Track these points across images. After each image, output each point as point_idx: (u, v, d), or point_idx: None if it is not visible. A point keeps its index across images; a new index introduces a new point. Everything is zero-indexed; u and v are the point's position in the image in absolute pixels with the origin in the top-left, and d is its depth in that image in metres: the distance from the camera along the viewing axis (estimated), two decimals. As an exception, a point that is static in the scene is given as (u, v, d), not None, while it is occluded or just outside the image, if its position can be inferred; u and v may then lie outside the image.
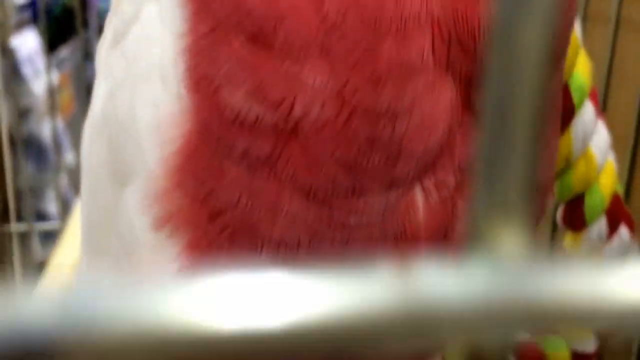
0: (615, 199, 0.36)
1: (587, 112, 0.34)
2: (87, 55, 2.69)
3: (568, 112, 0.33)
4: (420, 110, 0.20)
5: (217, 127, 0.21)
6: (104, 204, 0.24)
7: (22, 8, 1.87)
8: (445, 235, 0.22)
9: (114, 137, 0.24)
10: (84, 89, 2.41)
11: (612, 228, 0.36)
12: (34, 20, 2.09)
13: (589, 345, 0.36)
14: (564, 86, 0.33)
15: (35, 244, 1.91)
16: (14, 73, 1.85)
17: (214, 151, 0.21)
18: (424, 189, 0.21)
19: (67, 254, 0.56)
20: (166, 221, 0.22)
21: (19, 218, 1.57)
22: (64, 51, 2.37)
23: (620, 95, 0.47)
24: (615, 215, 0.34)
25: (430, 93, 0.20)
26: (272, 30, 0.19)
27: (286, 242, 0.21)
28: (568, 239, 0.39)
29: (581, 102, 0.33)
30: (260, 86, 0.20)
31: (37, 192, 1.93)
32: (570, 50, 0.33)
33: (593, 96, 0.34)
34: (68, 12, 2.27)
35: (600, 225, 0.36)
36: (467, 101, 0.21)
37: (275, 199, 0.21)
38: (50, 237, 1.96)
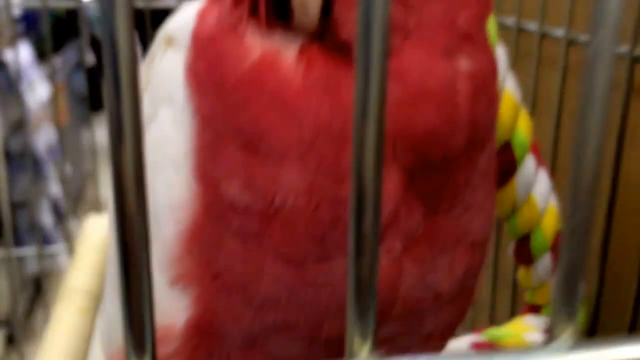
0: (558, 237, 0.41)
1: (528, 165, 0.39)
2: (79, 65, 2.70)
3: (511, 167, 0.39)
4: None
5: (218, 210, 0.27)
6: None
7: (15, 21, 1.89)
8: (394, 290, 0.28)
9: None
10: (77, 99, 2.42)
11: (557, 263, 0.42)
12: (27, 32, 2.11)
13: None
14: (506, 144, 0.38)
15: (31, 259, 1.92)
16: (8, 86, 1.86)
17: (215, 228, 0.27)
18: None
19: (78, 278, 0.58)
20: (178, 280, 0.28)
21: (15, 232, 1.60)
22: (57, 61, 2.37)
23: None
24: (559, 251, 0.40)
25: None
26: (258, 142, 0.25)
27: (270, 297, 0.27)
28: (520, 272, 0.45)
29: (522, 157, 0.39)
30: (250, 181, 0.26)
31: (31, 203, 1.94)
32: (510, 114, 0.38)
33: (534, 149, 0.40)
34: (59, 23, 2.28)
35: (545, 260, 0.42)
36: (410, 182, 0.26)
37: (261, 264, 0.27)
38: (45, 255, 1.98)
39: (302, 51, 0.25)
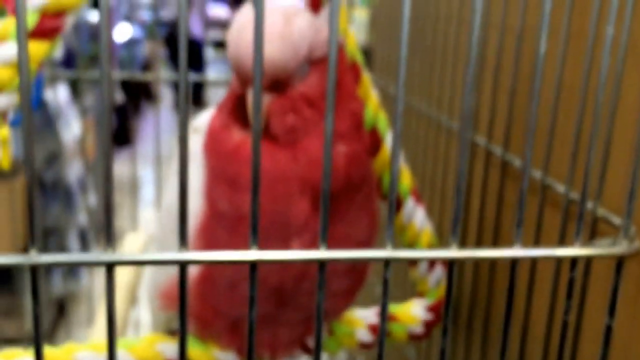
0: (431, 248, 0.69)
1: (409, 203, 0.67)
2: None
3: (398, 204, 0.67)
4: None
5: (215, 215, 0.54)
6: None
7: (55, 63, 2.13)
8: (307, 266, 0.55)
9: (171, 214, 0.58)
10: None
11: (431, 265, 0.69)
12: (65, 73, 2.36)
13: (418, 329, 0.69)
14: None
15: (57, 279, 2.14)
16: (45, 122, 2.11)
17: (213, 224, 0.54)
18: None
19: (124, 275, 0.83)
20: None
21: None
22: (89, 100, 2.64)
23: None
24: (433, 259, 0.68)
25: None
26: (235, 181, 0.52)
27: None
28: (412, 272, 0.72)
29: (406, 198, 0.67)
30: (231, 201, 0.53)
31: (61, 230, 2.14)
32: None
33: (414, 192, 0.68)
34: (93, 63, 2.56)
35: (423, 264, 0.70)
36: (314, 206, 0.54)
37: (236, 245, 0.53)
38: (72, 272, 2.21)
39: None
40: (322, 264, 0.36)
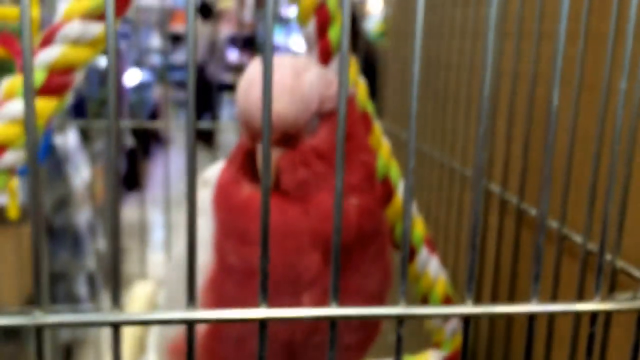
0: (446, 298, 0.68)
1: (423, 252, 0.67)
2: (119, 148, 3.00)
3: (411, 253, 0.67)
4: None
5: (224, 268, 0.54)
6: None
7: (65, 109, 2.15)
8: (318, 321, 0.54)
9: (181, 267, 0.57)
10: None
11: (446, 317, 0.69)
12: (74, 118, 2.37)
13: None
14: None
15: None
16: (55, 167, 2.11)
17: (222, 277, 0.54)
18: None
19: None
20: (203, 306, 0.55)
21: (53, 300, 1.81)
22: (99, 145, 2.65)
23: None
24: (447, 304, 0.67)
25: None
26: (244, 235, 0.52)
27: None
28: (427, 322, 0.71)
29: (419, 247, 0.66)
30: (240, 255, 0.53)
31: (69, 275, 2.13)
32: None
33: (427, 241, 0.68)
34: (103, 107, 2.58)
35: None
36: (325, 259, 0.53)
37: (246, 299, 0.53)
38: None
39: None
40: (333, 321, 0.36)
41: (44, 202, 1.82)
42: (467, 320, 0.37)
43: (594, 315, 0.39)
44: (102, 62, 2.85)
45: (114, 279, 0.34)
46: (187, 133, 0.33)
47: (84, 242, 2.21)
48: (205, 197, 0.55)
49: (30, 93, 0.31)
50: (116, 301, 0.34)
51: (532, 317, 0.37)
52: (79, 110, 2.36)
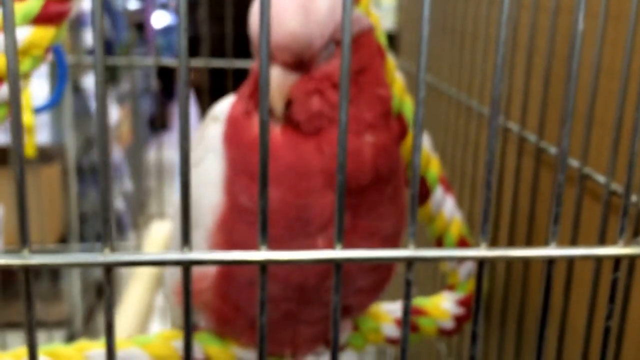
0: (461, 239, 0.65)
1: (438, 192, 0.63)
2: (145, 90, 2.98)
3: (426, 193, 0.63)
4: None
5: (235, 209, 0.50)
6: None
7: (91, 52, 2.12)
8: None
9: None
10: (142, 121, 2.67)
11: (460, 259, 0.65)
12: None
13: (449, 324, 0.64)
14: (423, 179, 0.62)
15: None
16: (83, 109, 2.10)
17: (233, 219, 0.50)
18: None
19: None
20: (213, 247, 0.51)
21: (82, 239, 1.81)
22: (125, 87, 2.63)
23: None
24: (462, 246, 0.63)
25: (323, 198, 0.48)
26: (256, 174, 0.49)
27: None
28: (442, 264, 0.68)
29: (434, 187, 0.62)
30: (251, 195, 0.49)
31: (98, 215, 2.14)
32: (423, 160, 0.62)
33: (442, 181, 0.63)
34: (130, 48, 2.55)
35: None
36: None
37: (255, 240, 0.51)
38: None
39: (280, 127, 0.49)
40: (338, 265, 0.33)
41: (71, 142, 1.81)
42: (481, 264, 0.34)
43: (617, 260, 0.35)
44: (131, 4, 2.80)
45: (104, 220, 0.31)
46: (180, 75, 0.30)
47: (112, 182, 2.22)
48: (215, 133, 0.52)
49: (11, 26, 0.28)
50: (107, 242, 0.31)
51: (550, 262, 0.34)
52: (106, 52, 2.34)
